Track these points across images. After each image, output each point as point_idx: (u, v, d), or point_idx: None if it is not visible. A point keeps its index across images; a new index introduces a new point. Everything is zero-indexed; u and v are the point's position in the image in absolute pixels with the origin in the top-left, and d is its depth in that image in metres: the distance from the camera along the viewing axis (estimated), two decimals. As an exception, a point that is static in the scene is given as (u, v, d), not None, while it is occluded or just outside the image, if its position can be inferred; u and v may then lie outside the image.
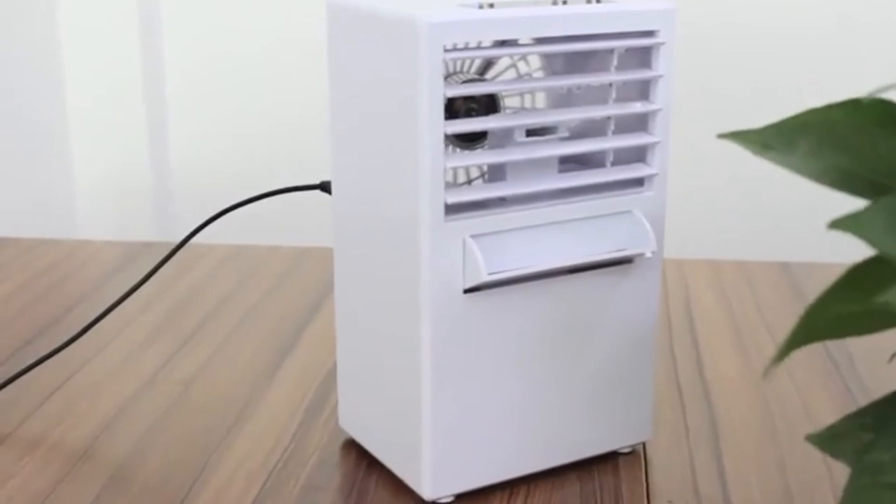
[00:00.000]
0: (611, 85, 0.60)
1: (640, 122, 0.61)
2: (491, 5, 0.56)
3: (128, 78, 1.10)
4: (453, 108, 0.61)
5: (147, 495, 0.61)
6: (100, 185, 1.13)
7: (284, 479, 0.63)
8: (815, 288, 0.92)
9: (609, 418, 0.64)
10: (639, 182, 0.62)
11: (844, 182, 0.44)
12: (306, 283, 0.94)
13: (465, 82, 0.58)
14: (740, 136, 0.46)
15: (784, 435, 0.68)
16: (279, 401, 0.73)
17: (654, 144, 0.61)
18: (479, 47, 0.57)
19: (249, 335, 0.83)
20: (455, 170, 0.60)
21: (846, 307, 0.41)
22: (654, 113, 0.61)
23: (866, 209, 0.40)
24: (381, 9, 0.56)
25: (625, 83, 0.61)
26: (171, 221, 1.14)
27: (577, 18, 0.57)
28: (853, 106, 0.45)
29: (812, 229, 1.05)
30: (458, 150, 0.61)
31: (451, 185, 0.59)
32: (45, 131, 1.13)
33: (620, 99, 0.61)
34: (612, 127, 0.61)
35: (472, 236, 0.57)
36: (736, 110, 1.05)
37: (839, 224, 0.40)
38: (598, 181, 0.60)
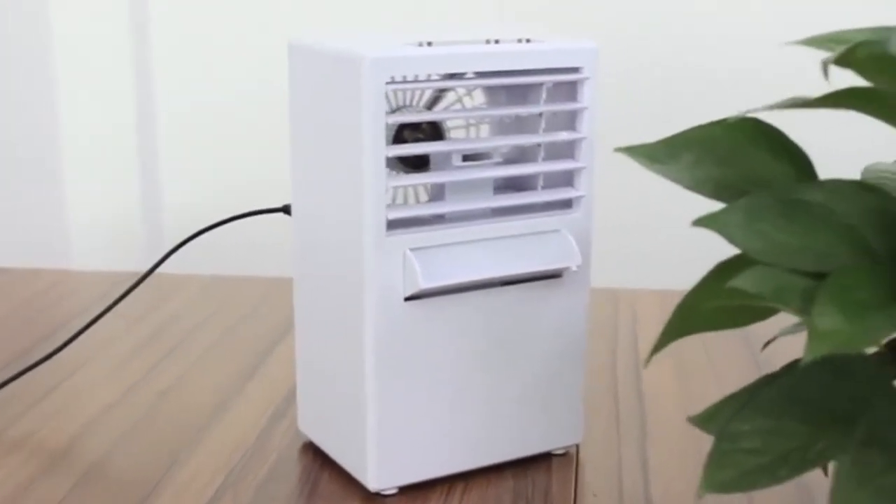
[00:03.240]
0: (541, 115, 0.67)
1: (567, 150, 0.68)
2: (429, 44, 0.63)
3: (121, 117, 1.18)
4: (402, 138, 0.67)
5: (119, 486, 0.67)
6: (92, 220, 1.20)
7: (246, 472, 0.69)
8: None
9: (541, 421, 0.70)
10: (567, 203, 0.68)
11: (717, 191, 0.51)
12: (277, 309, 1.00)
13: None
14: (630, 150, 0.53)
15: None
16: (246, 411, 0.79)
17: (580, 169, 0.68)
18: (422, 80, 0.64)
19: (223, 354, 0.89)
20: (404, 190, 0.67)
21: (712, 301, 0.48)
22: (579, 141, 0.67)
23: (725, 209, 0.47)
24: (332, 47, 0.63)
25: (553, 114, 0.68)
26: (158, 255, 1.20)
27: (510, 55, 0.64)
28: (731, 123, 0.52)
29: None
30: (401, 173, 0.67)
31: (396, 204, 0.65)
32: (40, 169, 1.20)
33: (549, 128, 0.68)
34: (542, 153, 0.68)
35: (412, 249, 0.63)
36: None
37: (701, 222, 0.47)
38: (530, 202, 0.67)
